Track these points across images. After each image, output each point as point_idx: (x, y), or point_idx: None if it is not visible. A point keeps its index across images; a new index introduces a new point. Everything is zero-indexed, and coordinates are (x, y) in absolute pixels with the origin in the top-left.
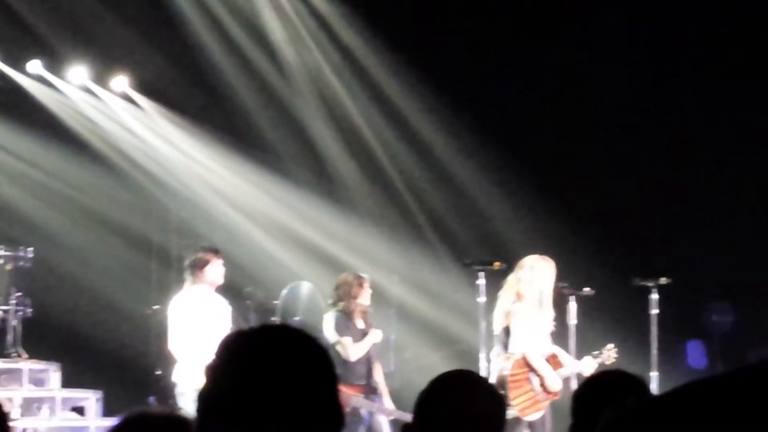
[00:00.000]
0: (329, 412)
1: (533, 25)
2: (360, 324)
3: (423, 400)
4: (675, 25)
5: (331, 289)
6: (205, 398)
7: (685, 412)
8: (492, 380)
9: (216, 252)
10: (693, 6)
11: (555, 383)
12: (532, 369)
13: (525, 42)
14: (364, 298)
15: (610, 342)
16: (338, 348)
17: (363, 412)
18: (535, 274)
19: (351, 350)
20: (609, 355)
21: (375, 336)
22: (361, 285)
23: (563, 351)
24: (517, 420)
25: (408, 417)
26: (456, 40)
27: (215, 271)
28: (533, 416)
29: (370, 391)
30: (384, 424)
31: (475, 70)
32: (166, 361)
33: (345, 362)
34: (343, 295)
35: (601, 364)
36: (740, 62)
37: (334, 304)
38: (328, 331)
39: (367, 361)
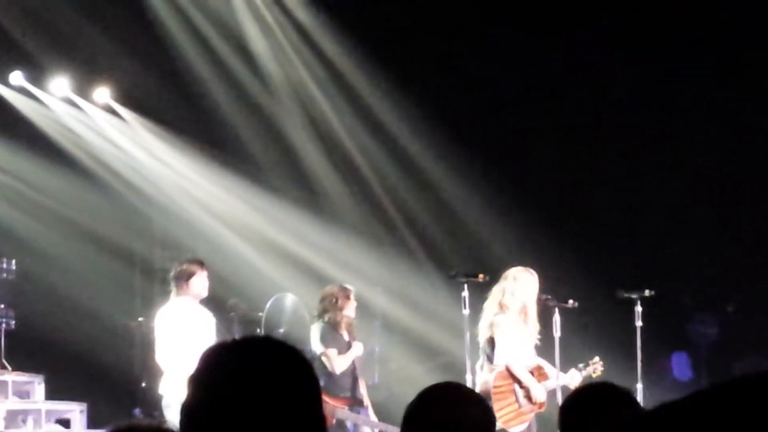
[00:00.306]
0: (312, 424)
1: (518, 32)
2: (345, 336)
3: (411, 412)
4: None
5: (317, 300)
6: (187, 410)
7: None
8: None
9: (201, 264)
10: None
11: (540, 394)
12: (516, 380)
13: (509, 51)
14: (350, 310)
15: (595, 354)
16: (323, 360)
17: (348, 424)
18: (519, 286)
19: (336, 362)
20: (595, 367)
21: (357, 349)
22: (347, 297)
23: (548, 364)
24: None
25: (394, 430)
26: (439, 51)
27: (200, 283)
28: (517, 428)
29: (356, 403)
30: None
31: (458, 82)
32: (150, 373)
33: (330, 374)
34: (329, 306)
35: (587, 377)
36: (720, 85)
37: (320, 316)
38: (314, 343)
39: (352, 374)
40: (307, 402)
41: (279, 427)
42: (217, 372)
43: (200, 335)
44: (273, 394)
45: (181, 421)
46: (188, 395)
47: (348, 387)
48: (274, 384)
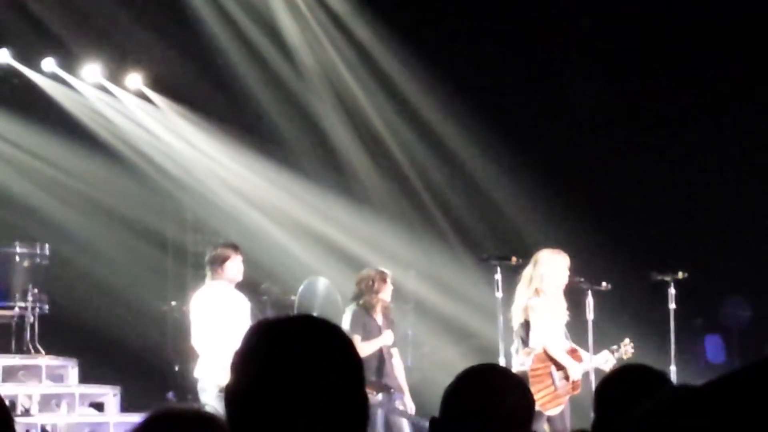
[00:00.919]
0: (356, 404)
1: (555, 8)
2: (380, 320)
3: (450, 394)
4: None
5: (351, 284)
6: (232, 391)
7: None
8: None
9: (235, 248)
10: None
11: (577, 373)
12: (553, 362)
13: (543, 29)
14: (386, 293)
15: (627, 337)
16: None
17: (375, 408)
18: (550, 268)
19: (359, 348)
20: (626, 349)
21: (385, 337)
22: (384, 280)
23: (579, 348)
24: (538, 414)
25: (420, 420)
26: (472, 35)
27: (235, 267)
28: (553, 411)
29: (382, 387)
30: (404, 422)
31: (491, 66)
32: (183, 357)
33: None
34: (365, 289)
35: (619, 359)
36: (748, 61)
37: (355, 299)
38: (344, 326)
39: (380, 356)
40: (351, 382)
41: (323, 407)
42: (261, 351)
43: (235, 319)
44: (317, 374)
45: (227, 404)
46: (232, 377)
47: (374, 369)
48: (317, 363)
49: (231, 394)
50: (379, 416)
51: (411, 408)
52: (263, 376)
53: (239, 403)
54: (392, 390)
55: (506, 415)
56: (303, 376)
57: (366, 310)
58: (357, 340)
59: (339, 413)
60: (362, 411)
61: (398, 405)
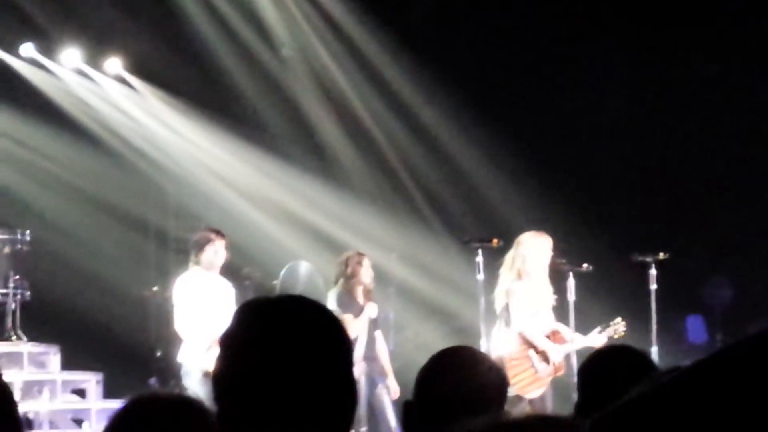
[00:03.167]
0: (345, 384)
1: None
2: (362, 302)
3: (424, 376)
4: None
5: (332, 268)
6: (219, 372)
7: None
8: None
9: (218, 233)
10: None
11: (556, 356)
12: (530, 345)
13: (523, 12)
14: (365, 275)
15: (608, 318)
16: None
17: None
18: (532, 250)
19: (351, 326)
20: (617, 328)
21: (370, 310)
22: (359, 263)
23: (566, 327)
24: (518, 397)
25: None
26: (451, 14)
27: (218, 252)
28: (534, 393)
29: (368, 358)
30: (387, 403)
31: (469, 47)
32: (165, 342)
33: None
34: (345, 272)
35: (610, 338)
36: (732, 46)
37: (336, 282)
38: (331, 308)
39: (369, 335)
40: (340, 363)
41: (312, 387)
42: (250, 332)
43: (219, 304)
44: (306, 354)
45: (214, 385)
46: (219, 357)
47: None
48: (307, 344)
49: (218, 375)
50: (362, 399)
51: (395, 391)
52: (252, 357)
53: (227, 384)
54: (379, 363)
55: (478, 395)
56: (292, 357)
57: (348, 292)
58: (349, 318)
59: (328, 395)
60: (351, 392)
61: (382, 388)
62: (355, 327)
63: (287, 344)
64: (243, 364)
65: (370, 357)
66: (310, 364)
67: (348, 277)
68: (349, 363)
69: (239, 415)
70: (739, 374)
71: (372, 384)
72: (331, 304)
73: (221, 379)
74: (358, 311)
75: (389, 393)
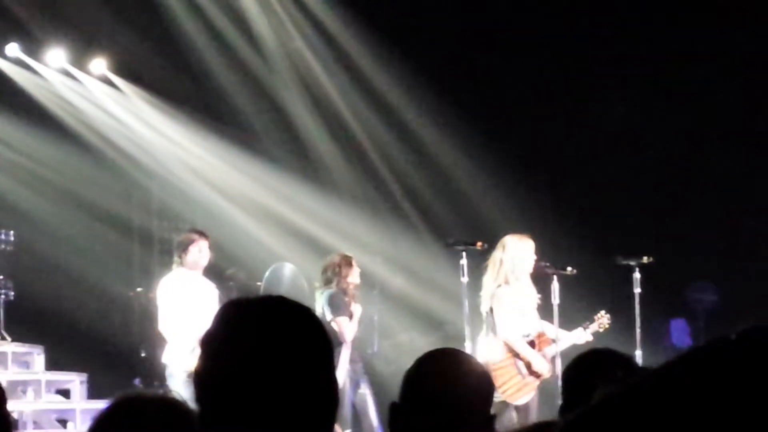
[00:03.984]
0: (327, 386)
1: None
2: (350, 303)
3: (409, 378)
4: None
5: (318, 271)
6: (202, 370)
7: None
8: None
9: (202, 234)
10: None
11: (541, 366)
12: (516, 355)
13: (509, 16)
14: (354, 276)
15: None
16: (333, 326)
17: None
18: (516, 253)
19: (347, 329)
20: (601, 322)
21: (358, 311)
22: (349, 264)
23: (551, 326)
24: (505, 404)
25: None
26: (434, 16)
27: (202, 252)
28: (521, 400)
29: (351, 360)
30: (369, 403)
31: (457, 49)
32: (150, 343)
33: (339, 342)
34: (333, 275)
35: (595, 333)
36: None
37: (327, 284)
38: (324, 310)
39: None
40: (322, 364)
41: (294, 388)
42: (232, 332)
43: (203, 305)
44: (288, 356)
45: (195, 385)
46: (201, 357)
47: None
48: (289, 345)
49: (200, 375)
50: (346, 400)
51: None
52: (233, 357)
53: (208, 385)
54: (360, 363)
55: (463, 397)
56: (273, 357)
57: (341, 294)
58: (345, 321)
59: (310, 395)
60: (333, 393)
61: (365, 389)
62: (350, 330)
63: (268, 344)
64: (224, 364)
65: (353, 359)
66: (292, 364)
67: (339, 280)
68: (330, 363)
69: (220, 415)
70: (708, 375)
71: (355, 385)
72: (325, 305)
73: (202, 379)
74: (350, 313)
75: (372, 394)
